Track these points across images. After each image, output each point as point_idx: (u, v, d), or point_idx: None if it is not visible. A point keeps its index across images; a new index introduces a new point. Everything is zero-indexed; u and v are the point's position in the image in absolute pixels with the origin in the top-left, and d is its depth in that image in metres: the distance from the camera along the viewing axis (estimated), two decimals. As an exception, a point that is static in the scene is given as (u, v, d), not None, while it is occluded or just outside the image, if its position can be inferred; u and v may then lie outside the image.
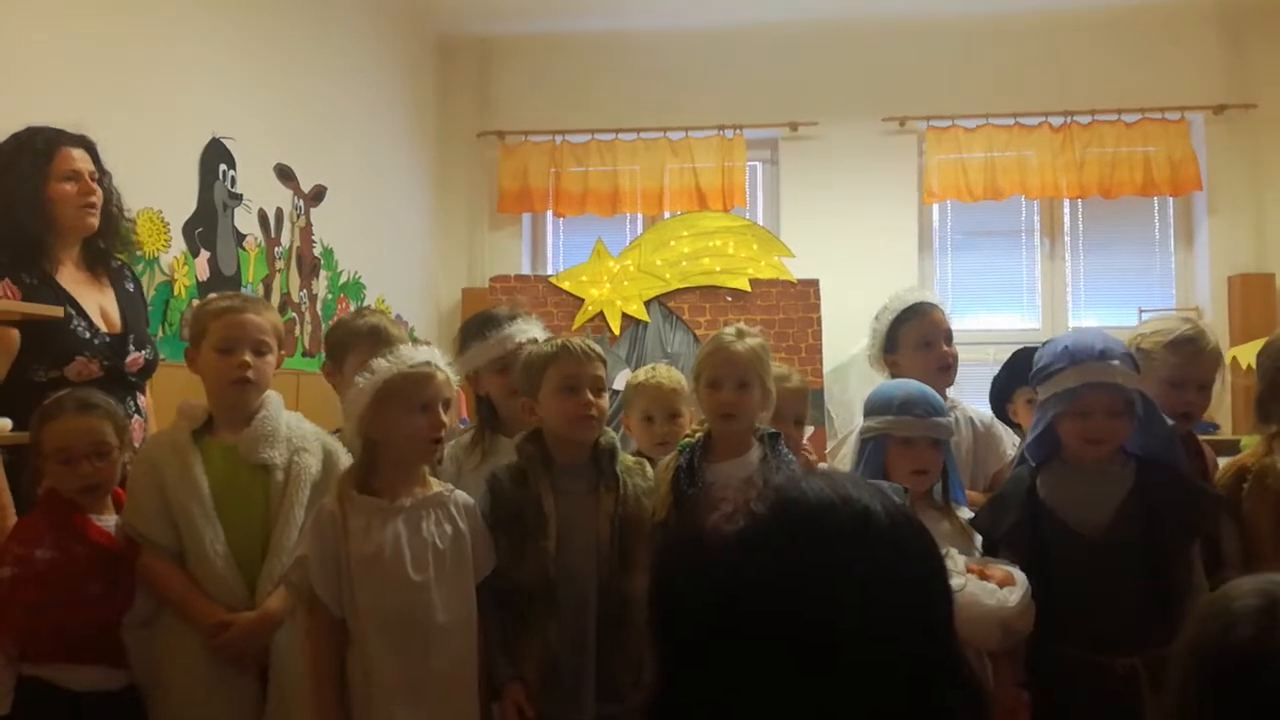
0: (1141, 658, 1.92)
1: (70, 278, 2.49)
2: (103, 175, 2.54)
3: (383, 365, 2.03)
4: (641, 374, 2.70)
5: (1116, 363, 2.03)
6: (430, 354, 2.08)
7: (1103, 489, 2.06)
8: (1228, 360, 4.36)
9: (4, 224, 2.38)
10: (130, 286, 2.66)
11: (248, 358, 2.19)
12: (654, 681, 0.89)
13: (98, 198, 2.50)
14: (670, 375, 2.62)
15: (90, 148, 2.53)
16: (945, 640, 0.86)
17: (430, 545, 2.00)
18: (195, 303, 3.47)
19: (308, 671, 2.01)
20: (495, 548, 2.09)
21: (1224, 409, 4.69)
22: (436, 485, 2.09)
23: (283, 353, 2.36)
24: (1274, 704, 0.99)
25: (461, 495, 2.10)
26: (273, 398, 2.26)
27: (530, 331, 2.52)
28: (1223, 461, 2.39)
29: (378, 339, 2.46)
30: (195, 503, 2.12)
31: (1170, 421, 2.12)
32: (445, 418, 2.05)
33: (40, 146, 2.43)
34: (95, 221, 2.51)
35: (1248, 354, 4.27)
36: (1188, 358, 2.24)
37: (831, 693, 0.80)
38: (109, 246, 2.60)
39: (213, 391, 2.23)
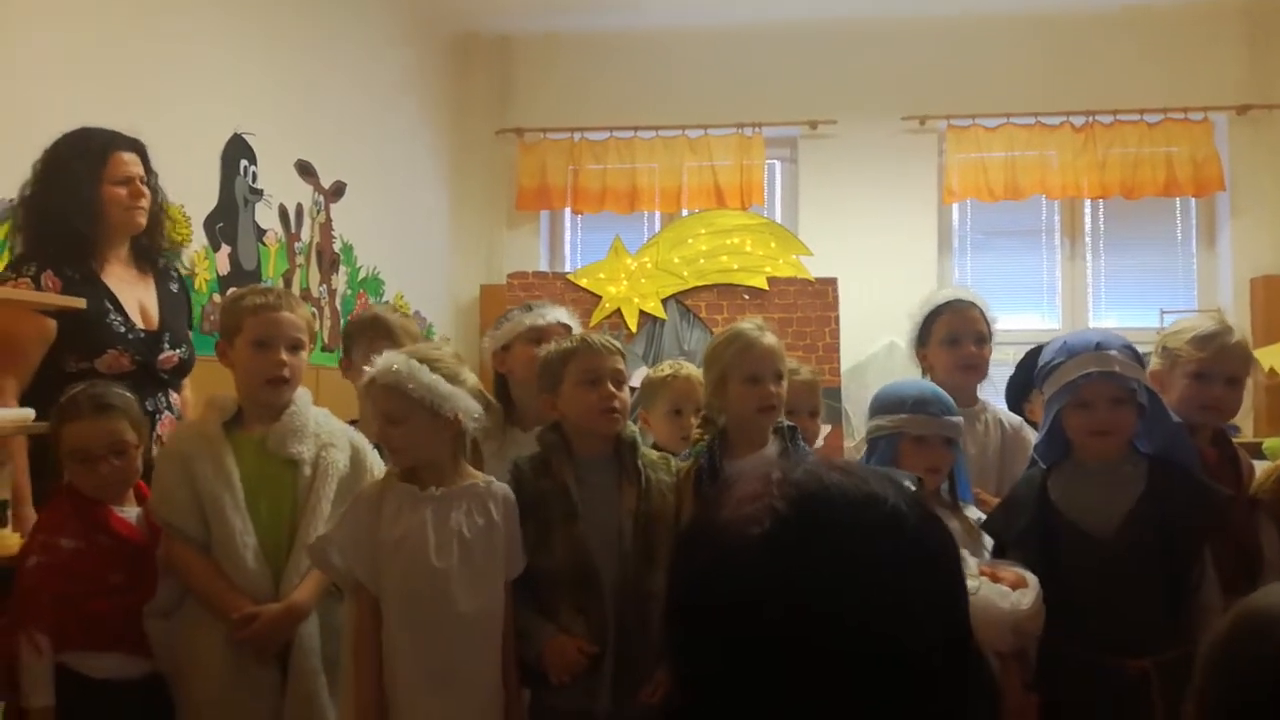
0: (1153, 660, 1.91)
1: (116, 275, 2.54)
2: (150, 176, 2.60)
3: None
4: (666, 368, 2.72)
5: (1114, 353, 2.04)
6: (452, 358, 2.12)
7: (1114, 490, 2.06)
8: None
9: (56, 224, 2.43)
10: (174, 287, 2.72)
11: (284, 355, 2.20)
12: (670, 684, 0.87)
13: (147, 200, 2.57)
14: (695, 369, 2.63)
15: (141, 150, 2.59)
16: (968, 642, 0.85)
17: (457, 534, 2.01)
18: (217, 297, 3.50)
19: (350, 651, 2.03)
20: (523, 535, 2.10)
21: (1245, 412, 4.65)
22: (476, 476, 2.10)
23: (310, 348, 2.38)
24: None
25: (501, 488, 2.10)
26: (302, 393, 2.28)
27: (563, 317, 2.59)
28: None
29: (379, 329, 2.56)
30: (227, 494, 2.14)
31: (1177, 419, 2.10)
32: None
33: (95, 149, 2.49)
34: (143, 221, 2.57)
35: (1270, 356, 4.24)
36: (1213, 352, 2.23)
37: (857, 699, 0.78)
38: (154, 244, 2.65)
39: (246, 387, 2.25)
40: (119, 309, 2.48)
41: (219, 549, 2.14)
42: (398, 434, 2.03)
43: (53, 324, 2.35)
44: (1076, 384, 2.04)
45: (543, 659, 2.05)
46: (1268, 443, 3.81)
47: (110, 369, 2.40)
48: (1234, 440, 2.45)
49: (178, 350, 2.58)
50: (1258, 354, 4.38)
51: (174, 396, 2.60)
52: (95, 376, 2.33)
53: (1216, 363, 2.23)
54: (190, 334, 2.75)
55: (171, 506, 2.15)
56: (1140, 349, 2.32)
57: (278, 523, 2.18)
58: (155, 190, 2.62)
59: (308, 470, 2.20)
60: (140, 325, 2.53)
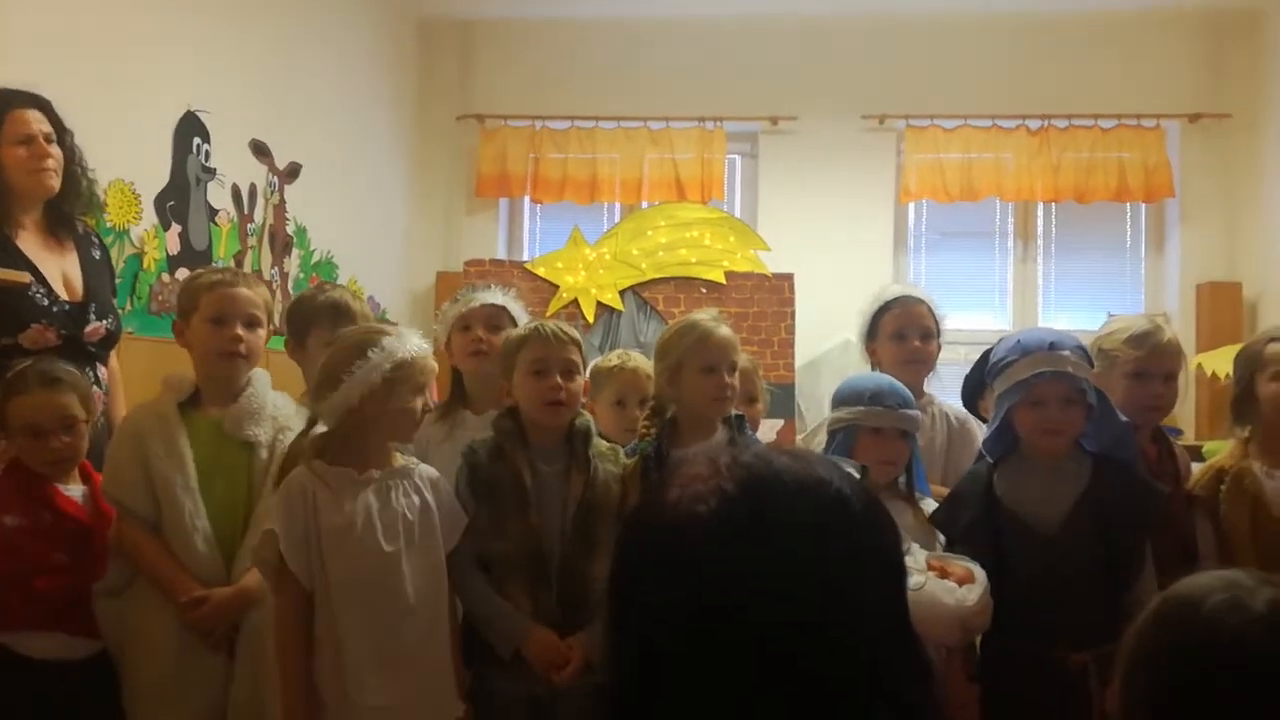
0: (1093, 654, 1.94)
1: (31, 242, 2.43)
2: (63, 135, 2.47)
3: (394, 345, 2.00)
4: (613, 358, 2.71)
5: (1068, 353, 2.08)
6: (410, 339, 2.07)
7: (1058, 485, 2.10)
8: (1192, 367, 4.42)
9: None
10: (96, 254, 2.61)
11: (240, 331, 2.18)
12: (612, 667, 0.87)
13: (55, 160, 2.43)
14: (643, 360, 2.62)
15: (45, 107, 2.45)
16: (908, 623, 0.86)
17: (400, 516, 2.00)
18: (165, 276, 3.44)
19: (275, 645, 2.00)
20: (475, 519, 2.10)
21: (1188, 415, 4.76)
22: (400, 458, 2.10)
23: (272, 328, 2.35)
24: (1235, 699, 1.00)
25: (426, 468, 2.10)
26: (260, 375, 2.26)
27: (499, 298, 2.56)
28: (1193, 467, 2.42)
29: (339, 314, 2.48)
30: (178, 475, 2.11)
31: (1124, 419, 2.15)
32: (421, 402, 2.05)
33: None
34: (55, 184, 2.44)
35: (1213, 361, 4.34)
36: (1149, 350, 2.28)
37: (799, 679, 0.79)
38: (72, 209, 2.54)
39: (202, 364, 2.22)
40: (40, 280, 2.38)
41: (169, 530, 2.11)
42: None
43: None
44: (1029, 382, 2.07)
45: (528, 652, 2.04)
46: (1208, 445, 3.90)
47: (35, 344, 2.32)
48: (1176, 443, 2.51)
49: (104, 321, 2.49)
50: (1201, 359, 4.48)
51: (101, 370, 2.51)
52: (19, 353, 2.27)
53: (1153, 361, 2.28)
54: (116, 303, 2.67)
55: (123, 486, 2.13)
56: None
57: (233, 505, 2.16)
58: (72, 150, 2.49)
59: (264, 453, 2.18)
60: (64, 297, 2.43)
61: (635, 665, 0.84)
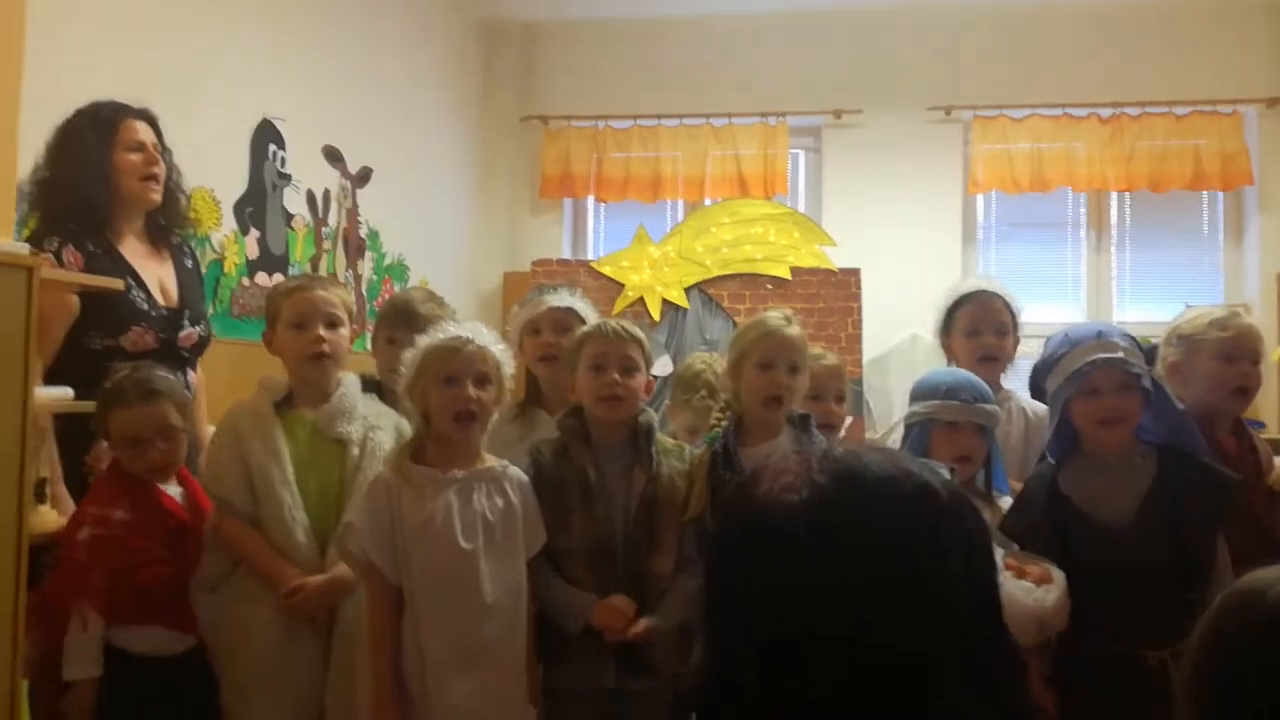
0: (1171, 650, 1.91)
1: (132, 249, 2.53)
2: (163, 151, 2.59)
3: (422, 340, 2.10)
4: (696, 390, 2.78)
5: (1118, 339, 2.06)
6: (468, 329, 2.13)
7: (1125, 481, 2.07)
8: (1274, 359, 4.30)
9: (69, 194, 2.41)
10: (189, 263, 2.71)
11: (321, 332, 2.27)
12: (708, 653, 0.89)
13: (160, 169, 2.54)
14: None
15: (153, 121, 2.57)
16: (998, 612, 0.87)
17: (480, 516, 2.04)
18: (245, 281, 3.54)
19: (367, 638, 2.06)
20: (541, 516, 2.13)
21: (1270, 408, 4.62)
22: (490, 460, 2.14)
23: (355, 328, 2.42)
24: None
25: (516, 471, 2.14)
26: (350, 378, 2.35)
27: (566, 300, 2.59)
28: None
29: (397, 312, 2.61)
30: (277, 470, 2.20)
31: (1181, 407, 2.11)
32: (483, 393, 2.07)
33: (105, 117, 2.47)
34: (158, 196, 2.54)
35: (1296, 352, 4.21)
36: (1236, 331, 2.24)
37: (891, 667, 0.80)
38: (169, 222, 2.65)
39: (292, 369, 2.31)
40: (140, 285, 2.48)
41: (268, 523, 2.19)
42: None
43: (76, 300, 2.35)
44: (1083, 371, 2.05)
45: (596, 618, 2.08)
46: (1292, 439, 3.78)
47: (135, 346, 2.41)
48: (1258, 435, 2.44)
49: (197, 328, 2.59)
50: (1284, 350, 4.36)
51: (191, 375, 2.60)
52: (120, 354, 2.36)
53: (1241, 341, 2.23)
54: (206, 310, 2.77)
55: (223, 481, 2.21)
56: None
57: (326, 500, 2.23)
58: (170, 167, 2.60)
59: (355, 450, 2.26)
60: (162, 302, 2.53)
61: (733, 650, 0.86)
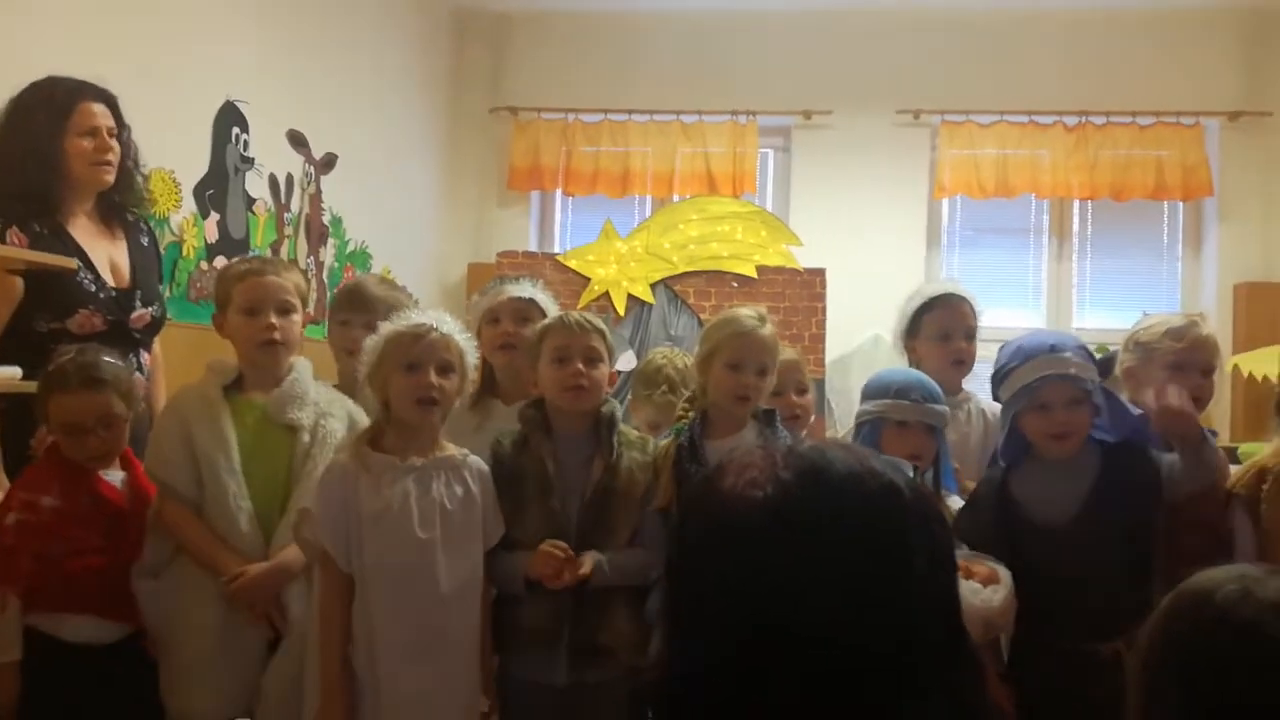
0: (1125, 641, 1.92)
1: (83, 229, 2.48)
2: (121, 129, 2.53)
3: (385, 326, 2.08)
4: (659, 386, 2.77)
5: (1069, 354, 2.08)
6: (432, 316, 2.11)
7: (1070, 481, 2.10)
8: (1229, 368, 4.37)
9: (17, 176, 2.36)
10: (145, 241, 2.66)
11: (273, 319, 2.22)
12: (669, 648, 0.88)
13: (114, 154, 2.49)
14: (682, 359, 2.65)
15: (111, 102, 2.51)
16: (958, 611, 0.87)
17: (439, 505, 2.03)
18: (205, 264, 3.48)
19: (318, 626, 2.04)
20: (500, 507, 2.12)
21: (1223, 417, 4.70)
22: (451, 449, 2.11)
23: (308, 313, 2.38)
24: (1249, 688, 1.01)
25: (476, 460, 2.12)
26: (302, 363, 2.30)
27: (527, 291, 2.57)
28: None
29: (352, 298, 2.61)
30: (222, 455, 2.15)
31: (1138, 410, 2.13)
32: (445, 381, 2.05)
33: (60, 99, 2.41)
34: (110, 178, 2.49)
35: (1250, 362, 4.28)
36: (1190, 342, 2.27)
37: (852, 666, 0.80)
38: (124, 201, 2.59)
39: (243, 354, 2.26)
40: (89, 266, 2.43)
41: (212, 509, 2.15)
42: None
43: (19, 282, 2.30)
44: (1033, 386, 2.07)
45: (533, 571, 2.06)
46: (1244, 447, 3.85)
47: (82, 329, 2.36)
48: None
49: (150, 308, 2.54)
50: (1239, 360, 4.43)
51: (145, 356, 2.56)
52: (67, 337, 2.31)
53: (1193, 353, 2.27)
54: (162, 290, 2.72)
55: (167, 465, 2.17)
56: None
57: (273, 487, 2.19)
58: (127, 145, 2.54)
59: (306, 437, 2.22)
60: (111, 283, 2.48)
61: (694, 646, 0.85)
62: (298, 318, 2.29)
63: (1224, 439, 4.48)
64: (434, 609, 1.99)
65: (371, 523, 1.99)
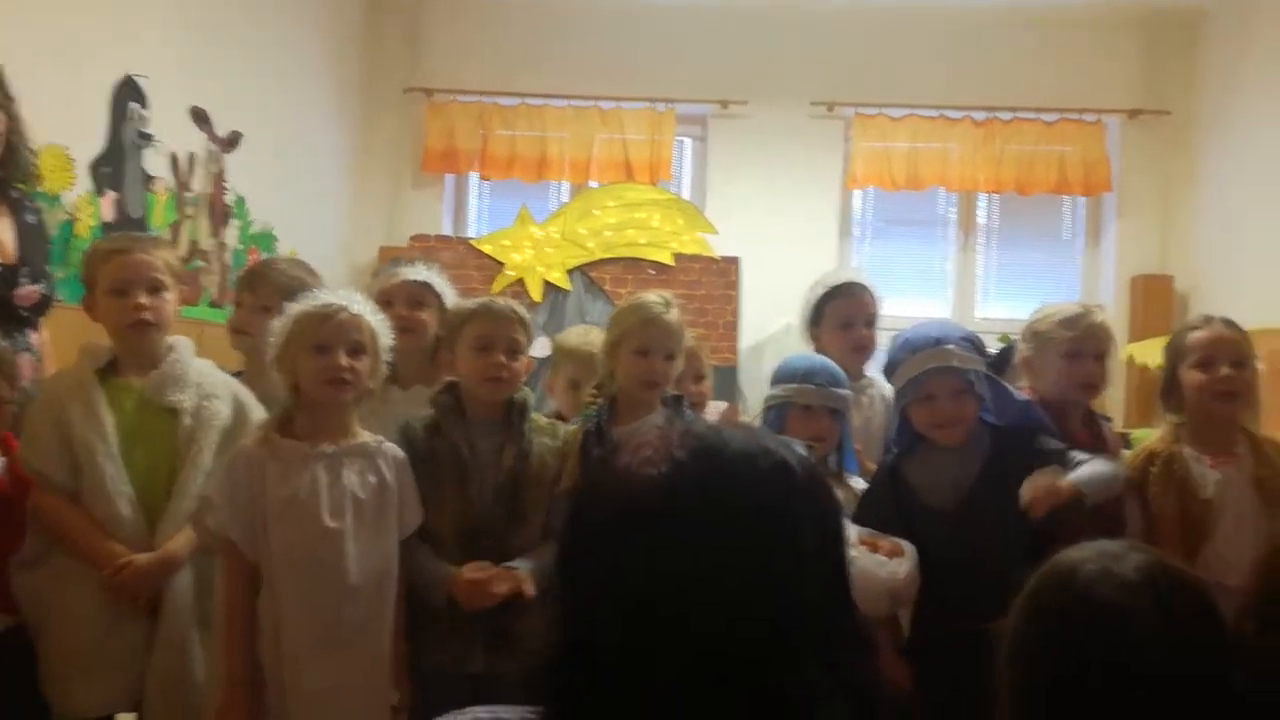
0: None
1: None
2: (7, 102, 2.41)
3: (293, 306, 2.02)
4: (574, 338, 2.71)
5: (952, 346, 2.14)
6: (342, 296, 2.05)
7: (961, 465, 2.16)
8: (1123, 357, 4.53)
9: None
10: (31, 219, 2.53)
11: (143, 299, 2.12)
12: (559, 627, 0.87)
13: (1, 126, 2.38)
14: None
15: None
16: (849, 591, 0.88)
17: (349, 494, 1.97)
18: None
19: (221, 617, 1.97)
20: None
21: (1118, 404, 4.88)
22: (365, 435, 2.06)
23: (184, 288, 2.29)
24: (1109, 662, 1.06)
25: (391, 447, 2.07)
26: (182, 342, 2.21)
27: (422, 274, 2.53)
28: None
29: (253, 278, 2.51)
30: (99, 441, 2.06)
31: (1023, 397, 2.20)
32: (357, 362, 2.00)
33: None
34: None
35: (1144, 352, 4.45)
36: (1082, 330, 2.34)
37: (745, 637, 0.80)
38: (8, 176, 2.47)
39: (114, 337, 2.16)
40: None
41: (91, 497, 2.06)
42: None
43: None
44: (919, 379, 2.14)
45: (457, 595, 2.04)
46: (1136, 433, 4.00)
47: None
48: (1108, 427, 2.57)
49: (38, 286, 2.43)
50: (1133, 350, 4.60)
51: (33, 336, 2.45)
52: None
53: (1086, 340, 2.34)
54: (51, 270, 2.60)
55: (41, 454, 2.07)
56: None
57: (155, 473, 2.11)
58: (14, 117, 2.41)
59: (188, 420, 2.13)
60: None
61: (584, 626, 0.85)
62: (170, 296, 2.19)
63: (1119, 425, 4.65)
64: (343, 600, 1.94)
65: (278, 511, 1.93)
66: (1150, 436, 2.46)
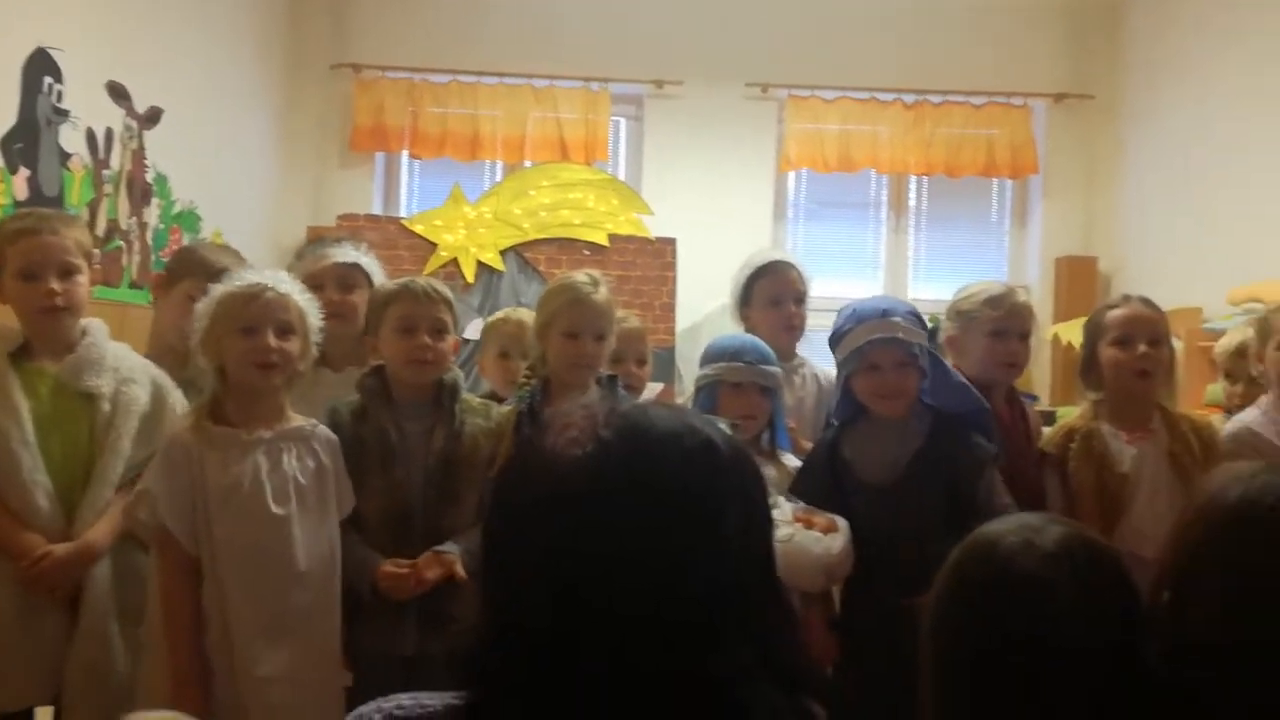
0: None
1: None
2: None
3: (216, 288, 1.96)
4: (499, 315, 2.70)
5: (899, 319, 2.17)
6: (268, 276, 2.01)
7: (899, 443, 2.20)
8: (1048, 336, 4.64)
9: None
10: None
11: (55, 284, 2.04)
12: (483, 609, 0.86)
13: None
14: (529, 314, 2.62)
15: None
16: (773, 568, 0.89)
17: (292, 479, 1.95)
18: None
19: (161, 612, 1.92)
20: None
21: (1043, 382, 4.99)
22: (297, 419, 2.02)
23: (97, 267, 2.21)
24: (1029, 633, 1.09)
25: (325, 430, 2.04)
26: (97, 325, 2.14)
27: (351, 255, 2.48)
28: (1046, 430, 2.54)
29: (179, 260, 2.46)
30: (14, 428, 2.00)
31: (960, 378, 2.24)
32: (285, 344, 1.96)
33: None
34: None
35: (1069, 331, 4.55)
36: (1006, 310, 2.39)
37: (668, 618, 0.80)
38: None
39: (25, 322, 2.09)
40: None
41: (5, 487, 2.00)
42: None
43: None
44: (864, 349, 2.16)
45: (381, 586, 2.02)
46: (1060, 411, 4.10)
47: None
48: (1030, 406, 2.63)
49: None
50: (1059, 329, 4.71)
51: None
52: None
53: (1010, 319, 2.39)
54: None
55: None
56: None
57: (72, 461, 2.06)
58: None
59: (106, 405, 2.07)
60: None
61: (513, 608, 0.84)
62: (83, 279, 2.11)
63: (1044, 403, 4.77)
64: (291, 587, 1.92)
65: (221, 501, 1.89)
66: (1075, 412, 2.52)
